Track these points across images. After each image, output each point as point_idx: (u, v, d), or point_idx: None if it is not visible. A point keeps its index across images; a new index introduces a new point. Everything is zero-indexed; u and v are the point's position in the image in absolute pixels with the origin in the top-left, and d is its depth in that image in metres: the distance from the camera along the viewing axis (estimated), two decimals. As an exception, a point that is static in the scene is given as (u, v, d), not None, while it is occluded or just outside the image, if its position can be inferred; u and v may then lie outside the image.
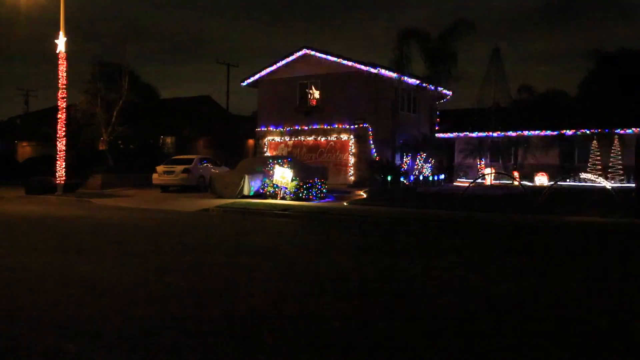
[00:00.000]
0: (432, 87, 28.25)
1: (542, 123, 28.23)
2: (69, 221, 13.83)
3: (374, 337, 4.73)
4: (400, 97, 28.59)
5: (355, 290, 6.51)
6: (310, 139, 28.06)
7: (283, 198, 18.17)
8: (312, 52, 27.65)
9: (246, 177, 19.22)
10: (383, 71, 26.42)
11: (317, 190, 18.40)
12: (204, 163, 24.28)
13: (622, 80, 27.87)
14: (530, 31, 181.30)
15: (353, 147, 26.75)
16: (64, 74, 21.61)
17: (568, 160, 28.72)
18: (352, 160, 26.80)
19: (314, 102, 28.15)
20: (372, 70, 26.16)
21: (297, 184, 18.05)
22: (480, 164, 28.84)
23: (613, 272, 7.73)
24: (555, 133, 28.24)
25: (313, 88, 28.18)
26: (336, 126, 27.11)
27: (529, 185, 25.33)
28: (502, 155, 28.77)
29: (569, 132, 28.05)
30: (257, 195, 19.12)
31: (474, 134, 27.48)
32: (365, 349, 4.47)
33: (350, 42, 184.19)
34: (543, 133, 28.47)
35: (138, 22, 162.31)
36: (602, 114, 27.39)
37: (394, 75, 26.73)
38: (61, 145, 21.85)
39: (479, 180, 23.33)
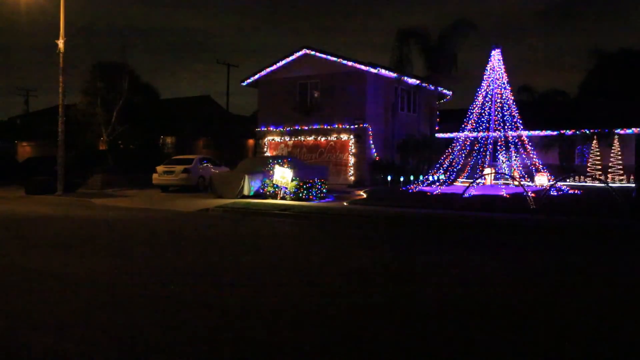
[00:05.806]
0: (432, 87, 28.27)
1: (542, 123, 28.23)
2: (68, 221, 13.83)
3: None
4: (400, 97, 28.62)
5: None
6: (310, 139, 28.05)
7: (283, 198, 18.16)
8: (312, 52, 27.61)
9: (246, 177, 19.21)
10: (383, 71, 26.44)
11: (317, 190, 18.39)
12: (204, 163, 24.26)
13: (622, 80, 27.89)
14: (530, 31, 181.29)
15: (353, 147, 26.74)
16: (64, 74, 21.61)
17: (568, 160, 28.72)
18: (352, 160, 26.79)
19: (314, 102, 28.14)
20: (372, 70, 26.17)
21: (297, 184, 18.03)
22: (480, 163, 28.83)
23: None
24: (555, 133, 28.25)
25: (313, 88, 28.17)
26: (336, 126, 27.10)
27: (529, 185, 25.27)
28: (502, 155, 28.75)
29: (569, 132, 28.06)
30: (257, 195, 19.10)
31: (474, 134, 27.44)
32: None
33: (350, 42, 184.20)
34: (543, 133, 28.47)
35: (139, 22, 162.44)
36: (602, 114, 27.39)
37: (393, 75, 26.75)
38: (61, 145, 21.84)
39: (479, 180, 23.32)
